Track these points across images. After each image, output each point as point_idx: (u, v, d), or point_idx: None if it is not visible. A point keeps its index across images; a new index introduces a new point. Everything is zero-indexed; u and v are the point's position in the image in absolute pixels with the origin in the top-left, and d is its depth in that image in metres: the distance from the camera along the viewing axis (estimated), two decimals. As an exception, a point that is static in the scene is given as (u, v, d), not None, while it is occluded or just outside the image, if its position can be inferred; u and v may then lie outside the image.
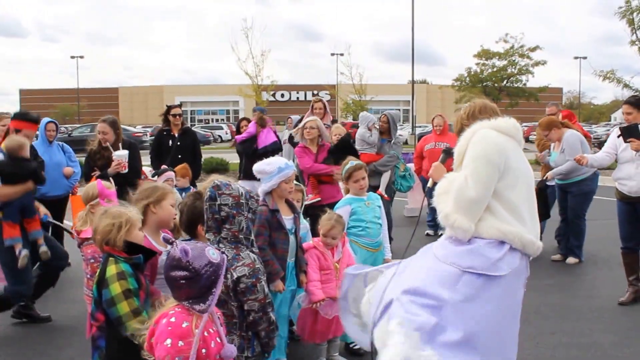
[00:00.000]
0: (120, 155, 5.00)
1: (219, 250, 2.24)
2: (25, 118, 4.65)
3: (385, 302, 2.57)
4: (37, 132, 6.25)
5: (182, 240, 2.51)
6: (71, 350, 4.06)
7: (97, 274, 2.60)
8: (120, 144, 5.24)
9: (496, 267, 2.46)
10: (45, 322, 4.65)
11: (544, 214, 5.89)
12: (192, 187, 5.73)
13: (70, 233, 4.45)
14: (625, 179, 4.86)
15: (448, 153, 3.06)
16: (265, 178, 3.44)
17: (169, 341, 1.98)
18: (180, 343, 1.99)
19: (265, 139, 6.90)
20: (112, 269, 2.51)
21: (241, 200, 2.59)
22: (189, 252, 2.06)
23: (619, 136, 4.90)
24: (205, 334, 2.07)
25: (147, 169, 5.30)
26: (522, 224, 2.55)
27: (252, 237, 2.68)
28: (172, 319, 2.03)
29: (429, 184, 2.94)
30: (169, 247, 2.95)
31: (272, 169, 3.43)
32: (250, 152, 6.79)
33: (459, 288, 2.43)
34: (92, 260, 3.34)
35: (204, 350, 2.05)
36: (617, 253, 6.04)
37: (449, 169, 2.82)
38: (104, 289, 2.50)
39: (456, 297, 2.42)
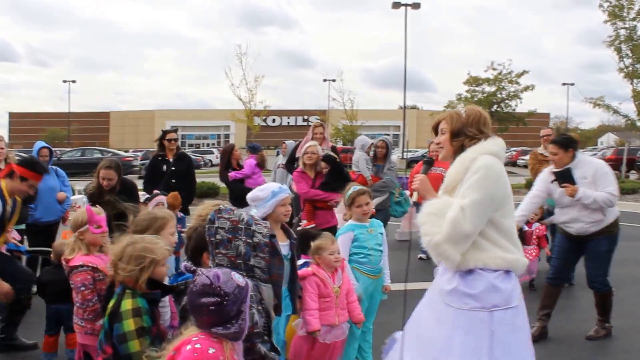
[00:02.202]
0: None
1: (242, 274, 2.20)
2: (34, 169, 4.33)
3: None
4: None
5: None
6: None
7: (110, 304, 2.53)
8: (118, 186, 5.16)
9: (512, 297, 2.50)
10: (32, 350, 4.44)
11: None
12: (180, 214, 5.70)
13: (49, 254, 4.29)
14: (571, 223, 4.65)
15: (429, 164, 3.05)
16: (259, 204, 3.38)
17: None
18: None
19: (255, 182, 6.90)
20: (127, 304, 2.46)
21: (239, 225, 2.53)
22: (221, 277, 2.03)
23: (552, 181, 4.62)
24: None
25: (140, 194, 5.27)
26: (517, 248, 2.58)
27: (253, 263, 2.60)
28: (197, 345, 1.96)
29: (414, 198, 2.82)
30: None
31: (266, 195, 3.37)
32: (239, 191, 6.73)
33: (495, 331, 2.43)
34: (82, 288, 3.24)
35: None
36: (611, 275, 6.06)
37: (432, 179, 2.79)
38: (116, 323, 2.43)
39: (495, 346, 2.42)
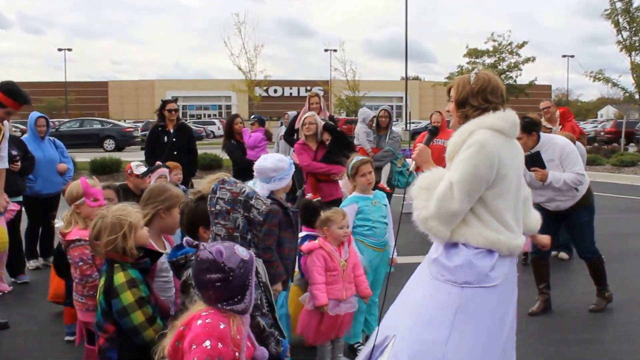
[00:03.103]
0: None
1: (245, 247, 2.14)
2: (14, 97, 4.16)
3: (384, 336, 2.56)
4: (27, 128, 6.16)
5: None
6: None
7: (101, 282, 2.47)
8: None
9: (489, 277, 2.44)
10: (4, 329, 4.31)
11: None
12: (182, 186, 5.64)
13: None
14: (548, 202, 4.66)
15: (433, 133, 3.00)
16: (281, 174, 3.24)
17: (208, 342, 1.87)
18: (220, 345, 1.89)
19: (257, 155, 6.81)
20: (120, 277, 2.40)
21: (239, 198, 2.47)
22: (224, 253, 1.97)
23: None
24: (238, 337, 1.98)
25: (134, 165, 5.20)
26: (509, 229, 2.51)
27: (250, 237, 2.53)
28: (208, 320, 1.93)
29: (411, 167, 2.81)
30: (168, 249, 2.91)
31: (286, 165, 3.26)
32: (242, 163, 6.67)
33: (460, 307, 2.42)
34: (80, 263, 3.15)
35: (237, 353, 1.96)
36: (611, 248, 6.04)
37: (434, 151, 2.75)
38: (113, 299, 2.38)
39: (458, 320, 2.42)
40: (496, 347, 2.43)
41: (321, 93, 6.78)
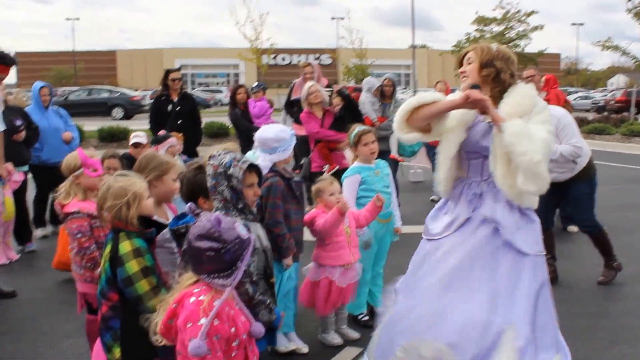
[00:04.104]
0: None
1: (247, 228, 2.10)
2: (3, 61, 4.05)
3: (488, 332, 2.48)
4: (31, 97, 6.11)
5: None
6: (48, 325, 3.93)
7: (107, 250, 2.44)
8: None
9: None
10: (11, 298, 4.36)
11: None
12: (184, 156, 5.59)
13: None
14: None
15: (475, 88, 2.84)
16: (283, 145, 3.22)
17: (204, 320, 1.85)
18: (216, 322, 1.88)
19: (264, 122, 6.73)
20: (126, 246, 2.37)
21: (219, 170, 2.46)
22: (222, 222, 1.94)
23: None
24: (232, 312, 1.97)
25: (132, 135, 5.17)
26: None
27: (241, 206, 2.50)
28: (202, 297, 1.90)
29: (465, 88, 2.60)
30: (170, 219, 2.87)
31: (287, 136, 3.23)
32: (248, 131, 6.60)
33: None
34: (78, 235, 3.12)
35: (233, 329, 1.94)
36: (620, 220, 5.94)
37: None
38: (118, 268, 2.35)
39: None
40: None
41: (329, 62, 6.70)
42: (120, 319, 2.40)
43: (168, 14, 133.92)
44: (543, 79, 6.90)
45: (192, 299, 1.90)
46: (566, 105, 6.77)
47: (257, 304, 2.29)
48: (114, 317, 2.41)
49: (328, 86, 6.41)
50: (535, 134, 2.46)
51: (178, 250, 2.79)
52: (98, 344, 2.54)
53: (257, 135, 3.29)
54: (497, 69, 2.61)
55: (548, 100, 6.43)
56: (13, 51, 4.21)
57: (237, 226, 1.99)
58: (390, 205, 3.86)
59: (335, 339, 3.56)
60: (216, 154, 2.51)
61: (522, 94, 2.60)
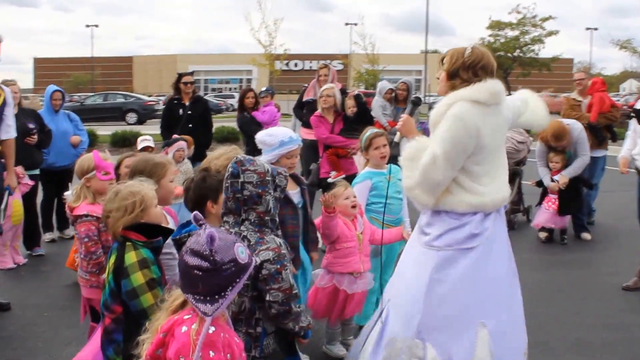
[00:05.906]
0: None
1: (250, 253, 1.85)
2: None
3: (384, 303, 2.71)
4: (43, 101, 6.13)
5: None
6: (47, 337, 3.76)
7: (111, 261, 2.35)
8: None
9: (468, 242, 2.53)
10: (5, 310, 4.15)
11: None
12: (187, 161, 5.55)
13: None
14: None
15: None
16: (266, 150, 3.17)
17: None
18: (212, 353, 1.66)
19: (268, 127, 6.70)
20: (131, 257, 2.27)
21: (267, 178, 2.30)
22: (216, 240, 1.69)
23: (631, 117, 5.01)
24: (226, 336, 1.76)
25: (140, 139, 5.14)
26: (489, 186, 2.56)
27: (277, 219, 2.40)
28: (194, 326, 1.68)
29: (396, 138, 2.84)
30: (171, 224, 2.80)
31: (274, 142, 3.14)
32: (250, 132, 6.56)
33: (437, 266, 2.54)
34: (86, 239, 3.08)
35: (228, 355, 1.74)
36: (637, 227, 5.78)
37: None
38: (123, 279, 2.25)
39: (434, 279, 2.55)
40: (479, 304, 2.52)
41: (340, 67, 6.65)
42: (124, 332, 2.30)
43: (183, 21, 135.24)
44: (589, 82, 6.77)
45: (184, 329, 1.69)
46: (613, 110, 6.56)
47: (297, 315, 2.29)
48: (117, 330, 2.32)
49: (342, 91, 6.36)
50: (420, 159, 2.53)
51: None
52: (93, 340, 2.47)
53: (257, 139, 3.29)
54: (462, 80, 2.55)
55: (592, 104, 6.41)
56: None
57: (237, 247, 1.76)
58: (401, 211, 3.76)
59: (340, 350, 3.44)
60: (244, 159, 2.34)
61: (442, 103, 2.58)
